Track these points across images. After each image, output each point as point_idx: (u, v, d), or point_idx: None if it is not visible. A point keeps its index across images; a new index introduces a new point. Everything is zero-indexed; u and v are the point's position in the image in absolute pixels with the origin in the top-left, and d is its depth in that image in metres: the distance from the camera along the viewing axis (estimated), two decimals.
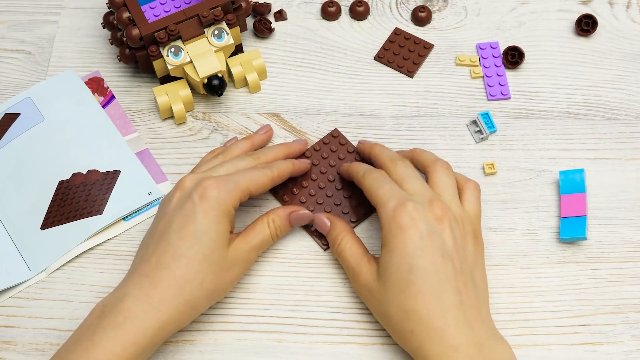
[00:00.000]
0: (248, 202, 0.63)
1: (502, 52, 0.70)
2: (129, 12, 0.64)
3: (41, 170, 0.65)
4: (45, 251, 0.62)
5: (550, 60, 0.70)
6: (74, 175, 0.64)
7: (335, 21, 0.73)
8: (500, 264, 0.60)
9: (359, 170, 0.59)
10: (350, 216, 0.62)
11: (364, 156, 0.64)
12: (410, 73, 0.70)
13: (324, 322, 0.59)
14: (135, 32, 0.63)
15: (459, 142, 0.66)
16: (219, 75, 0.65)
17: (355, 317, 0.59)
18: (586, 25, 0.71)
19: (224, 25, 0.66)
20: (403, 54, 0.70)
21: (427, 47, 0.71)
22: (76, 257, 0.62)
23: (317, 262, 0.61)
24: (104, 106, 0.69)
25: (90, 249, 0.62)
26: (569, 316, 0.58)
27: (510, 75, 0.69)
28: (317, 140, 0.66)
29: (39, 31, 0.74)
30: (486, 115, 0.66)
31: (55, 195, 0.63)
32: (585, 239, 0.60)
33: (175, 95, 0.67)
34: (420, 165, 0.59)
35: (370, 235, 0.62)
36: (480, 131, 0.66)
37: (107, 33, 0.73)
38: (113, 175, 0.64)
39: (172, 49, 0.65)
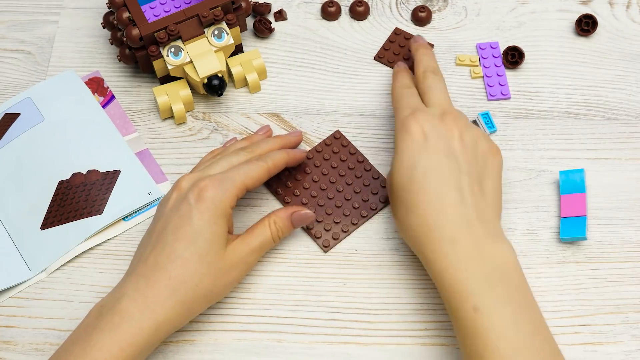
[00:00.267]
0: (247, 202, 0.63)
1: (502, 52, 0.70)
2: (129, 12, 0.64)
3: (41, 170, 0.65)
4: (45, 251, 0.62)
5: (550, 60, 0.70)
6: (74, 175, 0.64)
7: (335, 21, 0.73)
8: None
9: (395, 81, 0.63)
10: (351, 218, 0.62)
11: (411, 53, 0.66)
12: None
13: (323, 322, 0.59)
14: (135, 32, 0.63)
15: None
16: (219, 75, 0.65)
17: (355, 317, 0.59)
18: (586, 25, 0.70)
19: (224, 25, 0.66)
20: (403, 54, 0.70)
21: None
22: (76, 257, 0.62)
23: (318, 263, 0.61)
24: (104, 106, 0.69)
25: (90, 249, 0.62)
26: (568, 316, 0.58)
27: (510, 75, 0.69)
28: (317, 140, 0.66)
29: (39, 31, 0.73)
30: (486, 115, 0.66)
31: (55, 195, 0.63)
32: (585, 239, 0.60)
33: (175, 95, 0.67)
34: None
35: (370, 235, 0.62)
36: None
37: (107, 33, 0.73)
38: (113, 175, 0.64)
39: (172, 49, 0.65)
